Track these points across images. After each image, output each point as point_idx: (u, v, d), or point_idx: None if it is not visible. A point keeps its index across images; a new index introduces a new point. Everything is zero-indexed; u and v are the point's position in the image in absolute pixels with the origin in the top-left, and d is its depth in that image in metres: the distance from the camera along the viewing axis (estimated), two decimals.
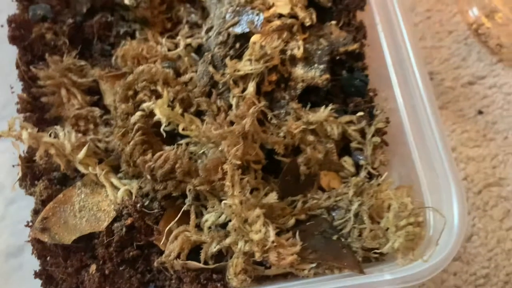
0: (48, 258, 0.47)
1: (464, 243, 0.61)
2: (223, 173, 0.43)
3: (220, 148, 0.44)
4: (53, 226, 0.44)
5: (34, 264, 0.47)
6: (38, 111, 0.51)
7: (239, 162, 0.42)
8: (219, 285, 0.44)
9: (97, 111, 0.50)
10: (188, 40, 0.55)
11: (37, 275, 0.47)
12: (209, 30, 0.53)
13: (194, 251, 0.46)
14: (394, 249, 0.43)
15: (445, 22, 0.72)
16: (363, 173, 0.49)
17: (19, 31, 0.52)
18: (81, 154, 0.44)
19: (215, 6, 0.54)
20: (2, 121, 0.45)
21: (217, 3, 0.53)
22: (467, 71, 0.69)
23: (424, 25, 0.72)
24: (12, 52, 0.53)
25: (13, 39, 0.52)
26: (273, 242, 0.42)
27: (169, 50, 0.54)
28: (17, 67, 0.52)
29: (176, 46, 0.55)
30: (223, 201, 0.43)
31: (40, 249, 0.46)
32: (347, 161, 0.51)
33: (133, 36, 0.56)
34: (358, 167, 0.51)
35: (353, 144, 0.51)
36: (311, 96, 0.51)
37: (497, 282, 0.59)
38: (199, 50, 0.56)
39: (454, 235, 0.41)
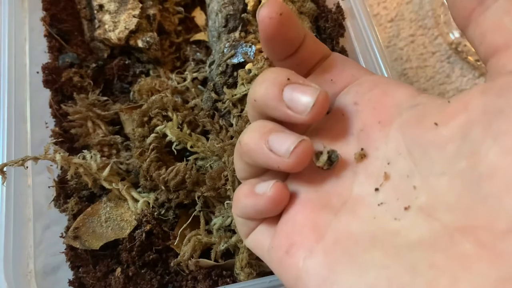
0: (80, 268, 0.53)
1: None
2: (225, 179, 0.50)
3: (223, 160, 0.51)
4: (83, 234, 0.51)
5: (67, 279, 0.54)
6: (68, 141, 0.59)
7: None
8: (228, 280, 0.50)
9: (119, 138, 0.58)
10: (195, 74, 0.64)
11: (71, 283, 0.53)
12: (211, 63, 0.61)
13: (206, 252, 0.52)
14: None
15: (428, 45, 0.79)
16: None
17: (51, 76, 0.61)
18: (106, 171, 0.52)
19: (215, 44, 0.62)
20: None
21: (217, 40, 0.62)
22: (451, 86, 0.76)
23: (409, 48, 0.79)
24: (46, 95, 0.62)
25: (46, 83, 0.61)
26: None
27: (178, 83, 0.63)
28: (50, 106, 0.61)
29: (184, 79, 0.63)
30: (226, 202, 0.49)
31: (73, 257, 0.52)
32: None
33: (147, 74, 0.64)
34: None
35: None
36: None
37: None
38: (204, 82, 0.64)
39: None
